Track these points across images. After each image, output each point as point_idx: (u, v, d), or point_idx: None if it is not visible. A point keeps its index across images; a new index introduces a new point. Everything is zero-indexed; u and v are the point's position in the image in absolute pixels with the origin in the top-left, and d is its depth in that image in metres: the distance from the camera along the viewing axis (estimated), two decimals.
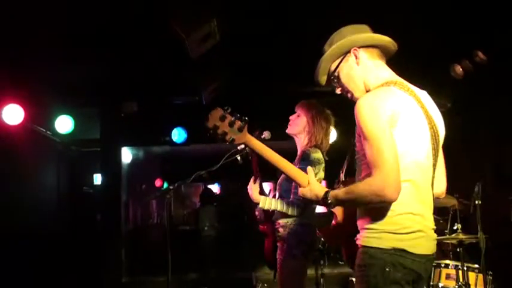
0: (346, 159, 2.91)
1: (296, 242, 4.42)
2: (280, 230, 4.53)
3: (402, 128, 2.59)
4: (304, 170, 4.41)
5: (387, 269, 2.56)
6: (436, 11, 5.60)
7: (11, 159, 7.55)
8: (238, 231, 11.67)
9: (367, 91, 2.82)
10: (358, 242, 2.72)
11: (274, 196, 4.79)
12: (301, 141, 4.66)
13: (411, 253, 2.60)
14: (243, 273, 10.19)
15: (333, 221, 3.07)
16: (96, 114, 8.63)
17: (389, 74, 2.86)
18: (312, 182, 2.84)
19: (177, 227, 12.81)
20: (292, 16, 5.80)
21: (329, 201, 2.70)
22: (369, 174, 2.55)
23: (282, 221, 4.54)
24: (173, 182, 4.96)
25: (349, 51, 2.88)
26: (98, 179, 9.93)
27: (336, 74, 2.92)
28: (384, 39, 2.89)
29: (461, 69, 6.58)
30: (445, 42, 6.16)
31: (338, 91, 2.98)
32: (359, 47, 2.87)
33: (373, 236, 2.64)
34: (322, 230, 3.12)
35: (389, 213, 2.62)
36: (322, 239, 3.15)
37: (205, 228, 11.41)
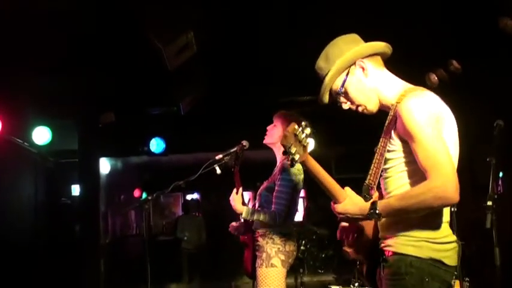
0: (371, 173, 2.69)
1: (275, 252, 4.46)
2: (260, 239, 4.56)
3: (446, 132, 2.56)
4: (286, 181, 4.48)
5: (426, 279, 2.50)
6: (410, 20, 5.68)
7: None
8: (218, 241, 11.66)
9: (381, 101, 2.75)
10: (389, 249, 2.62)
11: (254, 206, 4.83)
12: (279, 151, 4.69)
13: (446, 264, 2.53)
14: (222, 283, 10.21)
15: (354, 233, 2.92)
16: (74, 125, 8.60)
17: (401, 81, 2.78)
18: (351, 195, 2.64)
19: (156, 237, 12.77)
20: (269, 25, 5.84)
21: (377, 213, 2.49)
22: (419, 180, 2.47)
23: (261, 231, 4.58)
24: (152, 192, 4.98)
25: (353, 64, 2.77)
26: (76, 190, 9.88)
27: (342, 90, 2.79)
28: (383, 45, 2.83)
29: (436, 78, 6.66)
30: (420, 51, 6.24)
31: (346, 106, 2.84)
32: (363, 58, 2.76)
33: (411, 243, 2.55)
34: (347, 247, 2.97)
35: (430, 221, 2.55)
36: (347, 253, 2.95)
37: (185, 238, 11.39)
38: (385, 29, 5.55)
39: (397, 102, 2.60)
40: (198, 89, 7.33)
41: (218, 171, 4.66)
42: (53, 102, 7.77)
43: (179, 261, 11.23)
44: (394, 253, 2.60)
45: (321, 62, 2.85)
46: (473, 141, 6.64)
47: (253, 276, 4.78)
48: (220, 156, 4.64)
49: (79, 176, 8.91)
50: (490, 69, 6.21)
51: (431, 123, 2.48)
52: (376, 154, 2.66)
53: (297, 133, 2.45)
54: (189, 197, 13.89)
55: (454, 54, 6.50)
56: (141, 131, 8.71)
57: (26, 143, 8.45)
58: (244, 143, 4.73)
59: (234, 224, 5.07)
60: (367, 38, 2.84)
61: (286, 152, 2.48)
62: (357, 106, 2.81)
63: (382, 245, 2.69)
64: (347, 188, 2.67)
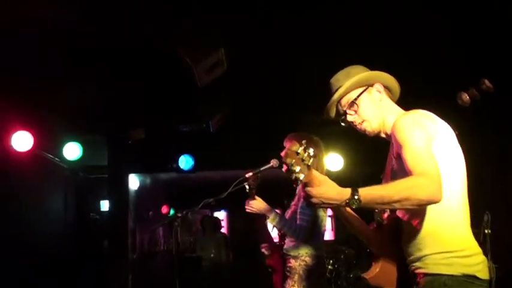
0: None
1: (307, 274, 4.45)
2: (291, 261, 4.55)
3: (442, 143, 2.62)
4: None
5: None
6: (443, 39, 5.64)
7: (19, 185, 7.58)
8: (245, 259, 11.60)
9: (384, 128, 2.87)
10: (421, 271, 2.60)
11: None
12: None
13: (479, 278, 2.51)
14: None
15: (377, 265, 2.91)
16: (104, 141, 8.67)
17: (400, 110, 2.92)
18: (326, 180, 2.48)
19: (183, 253, 12.75)
20: (299, 42, 5.84)
21: (357, 199, 2.38)
22: None
23: (293, 253, 4.56)
24: (180, 209, 4.97)
25: (371, 85, 2.91)
26: (105, 205, 9.94)
27: (354, 105, 2.90)
28: (396, 83, 2.98)
29: (468, 97, 6.58)
30: (451, 71, 6.18)
31: (351, 118, 2.93)
32: (383, 85, 2.93)
33: (442, 262, 2.53)
34: (368, 274, 2.92)
35: (455, 236, 2.56)
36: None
37: (211, 255, 11.36)
38: (418, 50, 5.57)
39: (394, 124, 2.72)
40: (227, 106, 7.33)
41: (248, 189, 4.64)
42: (84, 118, 7.86)
43: (201, 278, 11.20)
44: (426, 274, 2.57)
45: (340, 76, 2.96)
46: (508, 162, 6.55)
47: None
48: (250, 174, 4.62)
49: (108, 191, 8.99)
50: None
51: (418, 132, 2.55)
52: (383, 181, 2.76)
53: (299, 151, 2.41)
54: (216, 214, 13.87)
55: (486, 73, 6.42)
56: (170, 147, 8.74)
57: (56, 159, 8.53)
58: (274, 162, 4.70)
59: (264, 245, 5.08)
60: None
61: (289, 170, 2.42)
62: (363, 121, 2.90)
63: (412, 268, 2.65)
64: (317, 174, 2.50)
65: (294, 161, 2.40)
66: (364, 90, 2.90)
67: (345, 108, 2.94)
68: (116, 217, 8.74)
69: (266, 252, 5.12)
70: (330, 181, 2.47)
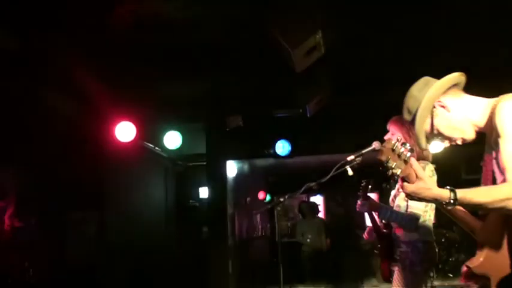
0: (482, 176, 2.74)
1: (419, 260, 4.38)
2: (403, 246, 4.47)
3: None
4: None
5: None
6: None
7: (123, 175, 7.84)
8: (343, 243, 11.57)
9: (477, 125, 2.80)
10: None
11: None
12: None
13: None
14: (348, 285, 10.12)
15: (481, 254, 2.84)
16: (202, 129, 8.81)
17: (482, 98, 2.82)
18: (425, 177, 2.58)
19: (281, 239, 12.82)
20: (398, 25, 5.71)
21: (452, 203, 2.49)
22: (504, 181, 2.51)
23: (405, 238, 4.48)
24: (277, 195, 4.97)
25: (433, 107, 2.86)
26: (203, 192, 10.12)
27: (435, 132, 2.87)
28: (455, 77, 2.89)
29: None
30: None
31: (446, 144, 2.93)
32: (440, 97, 2.85)
33: None
34: (472, 263, 2.86)
35: None
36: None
37: (308, 240, 11.39)
38: None
39: (493, 110, 2.65)
40: (324, 91, 7.26)
41: (350, 172, 4.57)
42: (183, 107, 8.00)
43: (302, 263, 11.24)
44: None
45: (405, 116, 2.97)
46: None
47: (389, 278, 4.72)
48: (352, 157, 4.55)
49: (207, 178, 9.12)
50: None
51: None
52: (484, 167, 2.74)
53: (395, 148, 2.48)
54: (312, 199, 13.86)
55: None
56: (267, 133, 8.77)
57: (157, 148, 8.75)
58: (376, 144, 4.61)
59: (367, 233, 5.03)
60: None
61: (385, 168, 2.49)
62: (455, 140, 2.87)
63: None
64: (419, 170, 2.57)
65: (389, 157, 2.49)
66: (431, 118, 2.87)
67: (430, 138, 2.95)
68: (214, 204, 8.86)
69: (367, 238, 5.05)
70: (429, 180, 2.56)
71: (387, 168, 2.49)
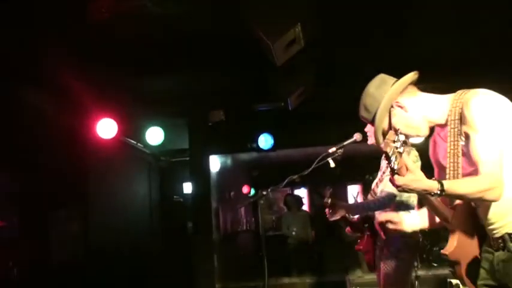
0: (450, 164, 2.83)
1: (404, 244, 4.45)
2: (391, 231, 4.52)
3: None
4: None
5: None
6: None
7: (106, 171, 7.81)
8: (328, 235, 11.60)
9: (433, 122, 2.96)
10: (504, 231, 2.76)
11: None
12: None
13: None
14: (334, 277, 10.13)
15: (453, 240, 2.99)
16: (184, 124, 8.78)
17: (438, 95, 2.96)
18: (415, 170, 2.62)
19: (266, 232, 12.83)
20: (379, 17, 5.73)
21: (439, 194, 2.60)
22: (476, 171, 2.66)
23: (391, 226, 4.53)
24: (260, 188, 4.97)
25: (391, 107, 2.98)
26: (187, 188, 10.10)
27: (392, 130, 2.88)
28: (409, 77, 2.97)
29: None
30: None
31: (402, 138, 2.87)
32: (397, 97, 2.96)
33: None
34: (447, 250, 2.98)
35: None
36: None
37: (293, 233, 11.42)
38: None
39: (456, 105, 2.79)
40: (305, 83, 7.26)
41: (332, 164, 4.60)
42: (164, 103, 7.97)
43: (288, 255, 11.26)
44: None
45: (363, 113, 3.08)
46: None
47: (375, 268, 4.75)
48: (334, 149, 4.58)
49: (190, 174, 9.09)
50: None
51: (497, 121, 2.67)
52: (448, 159, 2.82)
53: (395, 140, 2.54)
54: (296, 192, 13.89)
55: None
56: (249, 127, 8.77)
57: (139, 144, 8.71)
58: (357, 135, 4.65)
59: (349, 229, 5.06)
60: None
61: (389, 161, 2.53)
62: (412, 137, 3.04)
63: (494, 233, 2.81)
64: (408, 162, 2.62)
65: (392, 150, 2.53)
66: (389, 117, 2.99)
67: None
68: (198, 199, 8.84)
69: (350, 233, 5.08)
70: (419, 172, 2.60)
71: (391, 162, 2.54)
